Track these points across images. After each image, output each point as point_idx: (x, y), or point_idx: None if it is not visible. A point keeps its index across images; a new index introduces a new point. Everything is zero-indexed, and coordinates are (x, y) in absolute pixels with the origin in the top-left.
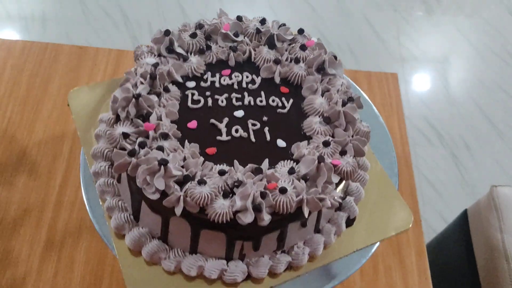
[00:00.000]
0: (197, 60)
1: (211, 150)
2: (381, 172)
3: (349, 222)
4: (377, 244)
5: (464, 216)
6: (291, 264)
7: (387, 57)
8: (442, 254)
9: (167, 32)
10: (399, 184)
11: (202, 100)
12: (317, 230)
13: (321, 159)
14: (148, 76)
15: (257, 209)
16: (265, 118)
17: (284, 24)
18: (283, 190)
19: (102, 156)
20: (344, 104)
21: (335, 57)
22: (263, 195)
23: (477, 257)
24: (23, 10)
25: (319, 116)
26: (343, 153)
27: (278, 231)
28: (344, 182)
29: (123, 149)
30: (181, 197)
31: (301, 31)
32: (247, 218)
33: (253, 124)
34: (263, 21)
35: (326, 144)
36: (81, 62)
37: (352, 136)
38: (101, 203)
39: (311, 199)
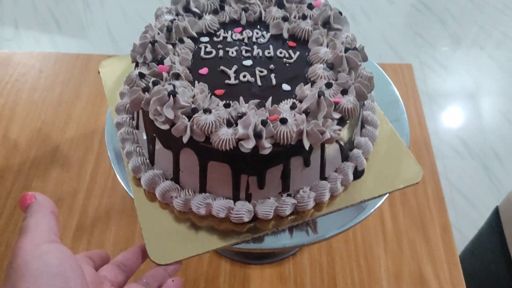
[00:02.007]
0: (211, 18)
1: (219, 92)
2: (391, 131)
3: (357, 174)
4: (386, 195)
5: (495, 213)
6: (296, 208)
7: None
8: (477, 257)
9: None
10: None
11: (214, 52)
12: (323, 178)
13: (321, 93)
14: (165, 28)
15: (258, 135)
16: (272, 66)
17: None
18: (283, 120)
19: (124, 110)
20: (346, 51)
21: (340, 13)
22: (264, 123)
23: (511, 251)
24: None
25: (323, 63)
26: (344, 92)
27: (281, 166)
28: (348, 123)
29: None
30: (188, 126)
31: None
32: (248, 144)
33: (260, 71)
34: None
35: (328, 85)
36: None
37: (355, 80)
38: (122, 152)
39: (311, 130)
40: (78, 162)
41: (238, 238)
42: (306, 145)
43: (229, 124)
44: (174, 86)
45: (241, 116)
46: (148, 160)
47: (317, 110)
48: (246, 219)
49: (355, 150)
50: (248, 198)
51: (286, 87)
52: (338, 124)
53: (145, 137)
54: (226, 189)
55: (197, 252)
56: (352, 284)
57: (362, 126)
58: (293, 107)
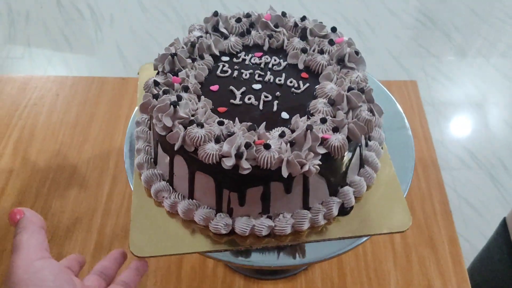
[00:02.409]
0: (236, 40)
1: (222, 109)
2: (393, 176)
3: (344, 210)
4: (367, 238)
5: (503, 224)
6: (274, 231)
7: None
8: (486, 267)
9: (216, 13)
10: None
11: (230, 71)
12: (306, 207)
13: (309, 127)
14: (190, 43)
15: (238, 156)
16: (278, 94)
17: (321, 22)
18: (267, 146)
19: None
20: (349, 90)
21: (357, 53)
22: (247, 145)
23: None
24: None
25: (325, 99)
26: (336, 130)
27: (261, 188)
28: (336, 160)
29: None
30: (181, 135)
31: (334, 29)
32: (229, 162)
33: (266, 96)
34: (303, 18)
35: (323, 120)
36: (123, 90)
37: (351, 119)
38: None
39: (291, 160)
40: (95, 182)
41: (214, 247)
42: (284, 173)
43: (217, 140)
44: (179, 97)
45: (230, 135)
46: (153, 160)
47: (303, 142)
48: (223, 231)
49: (346, 187)
50: (230, 212)
51: (285, 115)
52: (324, 159)
53: (152, 137)
54: (210, 200)
55: (175, 251)
56: None
57: (361, 166)
58: (282, 135)
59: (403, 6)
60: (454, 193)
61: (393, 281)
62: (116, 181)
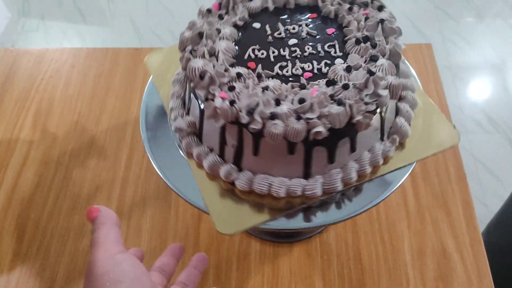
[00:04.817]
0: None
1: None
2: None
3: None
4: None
5: None
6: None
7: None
8: (502, 229)
9: None
10: None
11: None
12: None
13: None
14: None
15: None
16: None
17: None
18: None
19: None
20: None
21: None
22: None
23: None
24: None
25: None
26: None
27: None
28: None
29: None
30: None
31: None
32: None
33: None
34: None
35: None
36: (137, 61)
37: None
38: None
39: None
40: (113, 153)
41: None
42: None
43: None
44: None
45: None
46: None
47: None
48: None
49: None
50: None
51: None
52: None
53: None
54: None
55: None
56: (377, 258)
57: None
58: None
59: None
60: (471, 157)
61: (407, 242)
62: (133, 151)
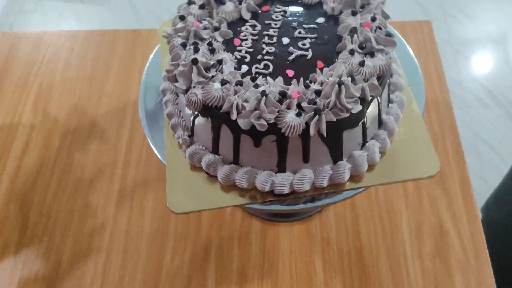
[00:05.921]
0: None
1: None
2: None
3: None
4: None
5: None
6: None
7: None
8: (501, 204)
9: None
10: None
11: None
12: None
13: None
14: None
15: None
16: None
17: None
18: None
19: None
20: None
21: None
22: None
23: None
24: None
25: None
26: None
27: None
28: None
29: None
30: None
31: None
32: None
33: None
34: None
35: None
36: (136, 43)
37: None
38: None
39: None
40: (114, 135)
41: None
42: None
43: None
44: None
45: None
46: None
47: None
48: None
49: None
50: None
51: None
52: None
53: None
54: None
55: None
56: (375, 236)
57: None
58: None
59: None
60: (471, 131)
61: (405, 220)
62: (134, 133)
